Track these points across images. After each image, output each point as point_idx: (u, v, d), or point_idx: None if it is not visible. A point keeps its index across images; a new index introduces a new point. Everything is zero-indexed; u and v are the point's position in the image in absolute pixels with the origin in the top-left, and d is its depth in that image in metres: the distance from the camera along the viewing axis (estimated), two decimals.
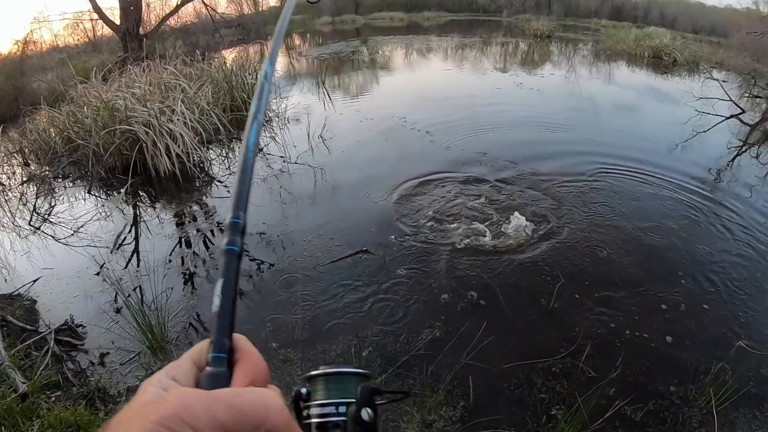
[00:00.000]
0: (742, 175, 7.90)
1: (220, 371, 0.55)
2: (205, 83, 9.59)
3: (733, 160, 8.72)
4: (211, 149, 8.54)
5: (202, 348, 0.58)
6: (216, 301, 0.59)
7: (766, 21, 18.46)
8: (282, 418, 0.49)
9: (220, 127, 8.52)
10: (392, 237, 5.62)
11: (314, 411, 0.70)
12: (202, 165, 7.90)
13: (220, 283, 0.60)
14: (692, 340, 4.13)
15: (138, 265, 5.39)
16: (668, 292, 4.72)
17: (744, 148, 9.50)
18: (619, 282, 4.86)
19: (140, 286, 4.89)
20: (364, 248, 5.38)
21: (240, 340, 0.58)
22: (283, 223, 6.01)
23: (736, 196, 6.90)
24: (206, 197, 7.10)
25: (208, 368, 0.55)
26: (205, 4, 22.87)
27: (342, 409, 0.70)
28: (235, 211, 0.66)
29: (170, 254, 5.55)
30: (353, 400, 0.70)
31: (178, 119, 7.73)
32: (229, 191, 6.99)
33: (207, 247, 5.68)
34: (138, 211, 6.75)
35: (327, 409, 0.69)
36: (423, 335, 4.12)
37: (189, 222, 6.35)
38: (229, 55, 15.22)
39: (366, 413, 0.68)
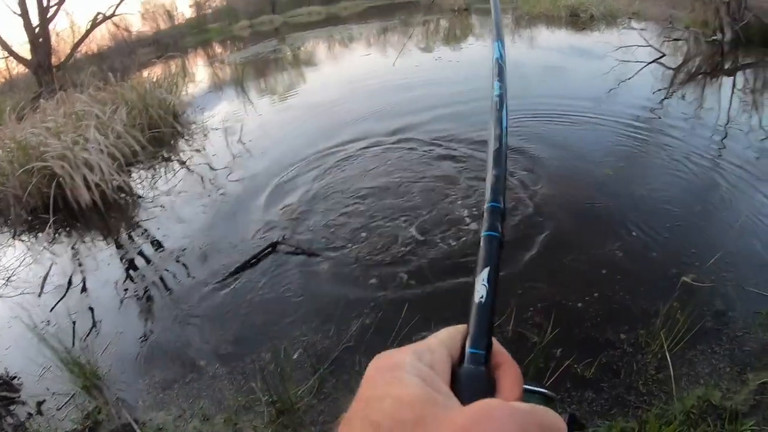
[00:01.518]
0: (671, 115, 7.98)
1: (483, 372, 0.50)
2: (119, 106, 9.24)
3: (661, 101, 8.81)
4: (133, 171, 8.25)
5: (455, 336, 0.53)
6: (481, 291, 0.54)
7: None
8: None
9: (137, 148, 8.25)
10: (313, 226, 5.53)
11: None
12: (123, 189, 7.58)
13: (485, 271, 0.55)
14: (637, 286, 4.06)
15: (66, 304, 5.15)
16: (606, 240, 4.67)
17: (671, 90, 9.65)
18: (554, 238, 4.79)
19: (67, 326, 4.70)
20: (275, 241, 5.25)
21: (495, 342, 0.53)
22: (206, 235, 5.84)
23: (666, 136, 6.93)
24: (131, 221, 6.85)
25: (467, 365, 0.50)
26: (116, 25, 22.30)
27: None
28: (493, 195, 0.64)
29: (97, 286, 5.35)
30: None
31: (92, 147, 7.41)
32: (162, 208, 6.85)
33: (133, 274, 5.46)
34: (64, 249, 6.44)
35: None
36: (353, 326, 3.98)
37: (115, 250, 6.11)
38: (146, 73, 14.84)
39: None
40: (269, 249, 5.19)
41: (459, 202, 5.56)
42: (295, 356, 3.77)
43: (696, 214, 4.98)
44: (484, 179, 0.64)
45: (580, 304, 3.92)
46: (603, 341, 3.56)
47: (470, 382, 0.48)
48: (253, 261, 5.07)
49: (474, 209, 5.36)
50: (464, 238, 4.90)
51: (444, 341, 0.51)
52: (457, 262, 4.57)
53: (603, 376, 3.30)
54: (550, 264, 4.47)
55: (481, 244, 0.59)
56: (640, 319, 3.66)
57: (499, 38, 0.85)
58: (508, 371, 0.50)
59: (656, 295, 3.86)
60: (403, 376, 0.44)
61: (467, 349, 0.51)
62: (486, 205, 0.63)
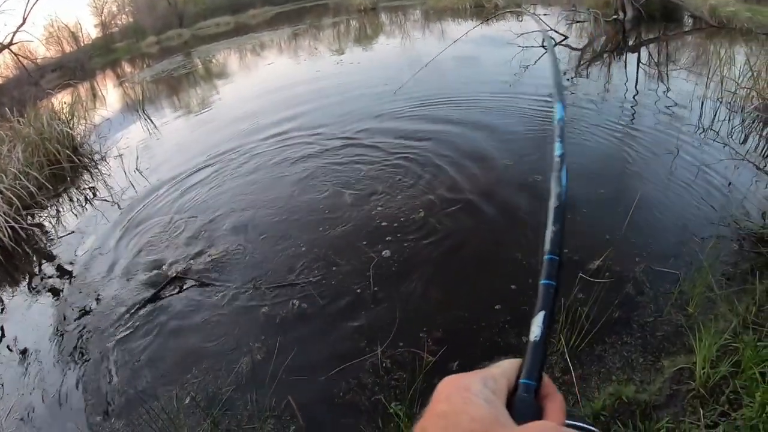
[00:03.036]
0: (574, 95, 8.11)
1: (533, 401, 0.59)
2: (16, 144, 8.76)
3: (569, 81, 9.00)
4: (32, 214, 7.72)
5: (513, 367, 0.62)
6: (536, 331, 0.64)
7: None
8: None
9: (33, 189, 7.83)
10: (212, 252, 5.33)
11: None
12: (20, 235, 7.02)
13: (541, 314, 0.65)
14: (534, 288, 3.91)
15: None
16: (506, 241, 4.61)
17: (577, 70, 9.88)
18: (443, 247, 4.71)
19: None
20: (174, 276, 5.00)
21: (544, 376, 0.62)
22: (102, 276, 5.49)
23: (574, 116, 7.04)
24: (30, 269, 6.36)
25: (521, 394, 0.59)
26: (15, 54, 21.44)
27: None
28: (552, 247, 0.71)
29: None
30: None
31: None
32: (62, 251, 6.48)
33: (33, 324, 5.08)
34: None
35: None
36: (243, 363, 3.80)
37: (15, 302, 5.64)
38: (48, 103, 14.22)
39: None
40: (167, 284, 4.95)
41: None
42: (186, 401, 3.57)
43: (593, 206, 4.87)
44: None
45: (473, 314, 3.81)
46: (505, 347, 3.45)
47: (523, 407, 0.57)
48: (151, 299, 4.82)
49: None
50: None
51: (505, 372, 0.61)
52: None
53: None
54: (444, 277, 4.35)
55: (539, 290, 0.67)
56: None
57: (561, 99, 0.95)
58: (554, 400, 0.60)
59: (562, 291, 3.71)
60: (474, 398, 0.53)
61: (521, 380, 0.60)
62: (545, 257, 0.71)
